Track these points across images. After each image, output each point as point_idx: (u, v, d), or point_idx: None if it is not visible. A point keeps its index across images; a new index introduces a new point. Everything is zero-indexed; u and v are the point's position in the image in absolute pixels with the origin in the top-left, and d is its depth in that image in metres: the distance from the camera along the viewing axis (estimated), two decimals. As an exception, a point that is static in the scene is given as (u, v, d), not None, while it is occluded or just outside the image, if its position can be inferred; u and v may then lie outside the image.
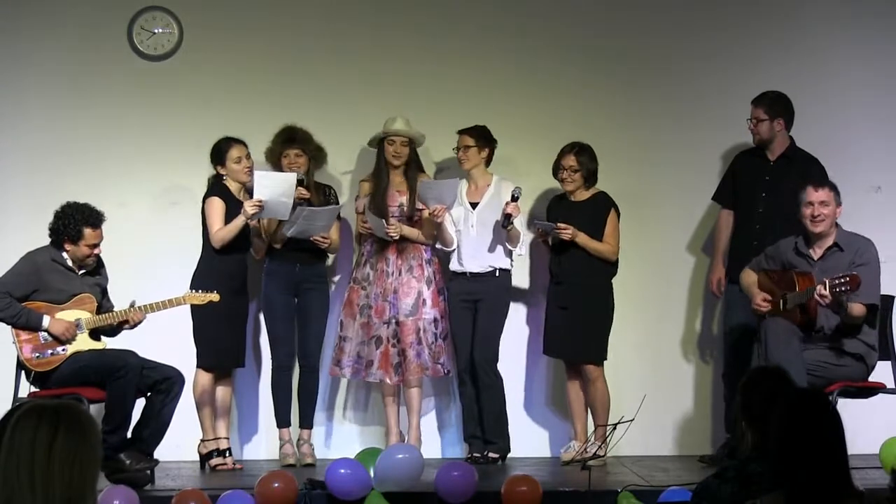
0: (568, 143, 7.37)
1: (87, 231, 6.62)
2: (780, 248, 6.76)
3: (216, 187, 7.21)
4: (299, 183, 7.17)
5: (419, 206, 7.41)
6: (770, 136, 7.28)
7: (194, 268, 7.18)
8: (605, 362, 7.34)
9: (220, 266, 7.13)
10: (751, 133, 7.33)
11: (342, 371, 7.50)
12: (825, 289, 6.24)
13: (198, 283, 7.08)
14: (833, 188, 6.62)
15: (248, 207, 6.98)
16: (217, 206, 7.13)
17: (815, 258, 6.60)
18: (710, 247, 7.80)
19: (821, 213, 6.54)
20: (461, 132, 7.47)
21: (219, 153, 7.21)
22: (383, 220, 7.33)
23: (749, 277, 6.86)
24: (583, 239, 7.25)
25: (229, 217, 7.10)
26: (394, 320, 7.38)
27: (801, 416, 3.24)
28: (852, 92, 7.89)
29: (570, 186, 7.36)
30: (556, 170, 7.39)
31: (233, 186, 7.23)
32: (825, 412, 3.26)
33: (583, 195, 7.39)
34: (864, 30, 7.93)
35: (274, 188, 7.02)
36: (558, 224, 7.23)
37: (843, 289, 6.20)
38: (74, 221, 6.60)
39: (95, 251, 6.67)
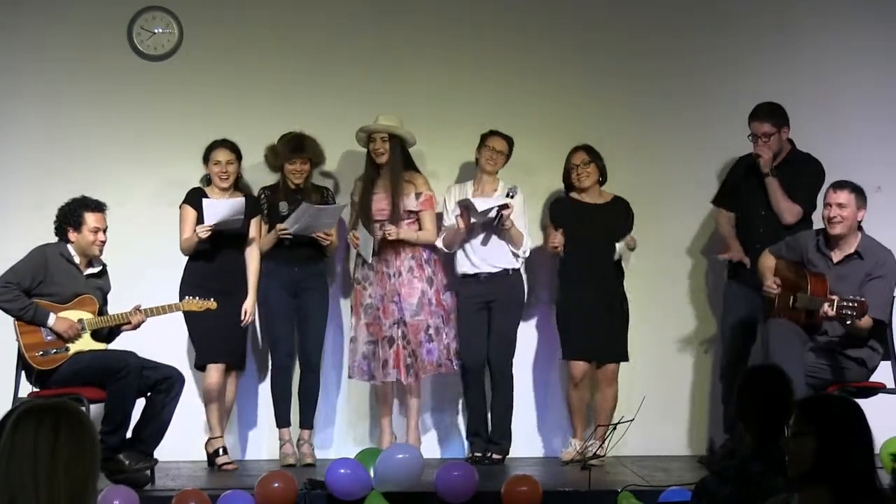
0: (572, 148, 7.38)
1: (88, 215, 6.66)
2: (800, 241, 6.69)
3: (192, 194, 7.26)
4: (283, 219, 7.20)
5: (413, 207, 7.39)
6: (780, 147, 7.24)
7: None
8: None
9: (204, 266, 7.17)
10: (757, 152, 7.14)
11: (355, 375, 7.46)
12: (832, 310, 6.18)
13: (184, 284, 7.14)
14: (855, 190, 6.53)
15: (200, 233, 7.06)
16: (187, 214, 7.21)
17: (834, 261, 6.54)
18: (710, 248, 7.82)
19: (838, 214, 6.47)
20: (496, 134, 7.43)
21: (206, 153, 7.27)
22: (372, 239, 7.27)
23: (768, 261, 6.77)
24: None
25: (203, 222, 7.13)
26: (401, 321, 7.35)
27: (839, 418, 3.33)
28: (852, 91, 7.88)
29: (587, 182, 7.35)
30: (569, 172, 7.38)
31: (214, 193, 7.25)
32: (858, 414, 3.35)
33: (599, 197, 7.41)
34: (864, 28, 7.93)
35: (224, 213, 7.10)
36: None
37: (848, 312, 6.15)
38: (74, 208, 6.68)
39: (100, 237, 6.68)
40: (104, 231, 6.70)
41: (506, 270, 7.42)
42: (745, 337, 7.13)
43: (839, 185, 6.56)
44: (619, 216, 7.40)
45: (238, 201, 7.17)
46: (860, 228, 6.59)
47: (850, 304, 6.14)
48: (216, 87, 7.85)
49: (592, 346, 7.35)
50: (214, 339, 7.18)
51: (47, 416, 2.71)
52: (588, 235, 7.30)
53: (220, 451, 7.22)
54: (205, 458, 7.30)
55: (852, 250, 6.52)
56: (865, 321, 6.35)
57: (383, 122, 7.38)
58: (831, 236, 6.54)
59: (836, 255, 6.55)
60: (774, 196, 7.11)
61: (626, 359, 7.41)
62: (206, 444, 7.29)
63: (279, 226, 7.26)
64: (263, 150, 7.42)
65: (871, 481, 3.27)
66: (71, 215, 6.67)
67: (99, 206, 6.72)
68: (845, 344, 6.50)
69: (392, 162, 7.37)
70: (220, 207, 7.12)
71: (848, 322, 6.27)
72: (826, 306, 6.21)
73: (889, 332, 6.79)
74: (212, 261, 7.19)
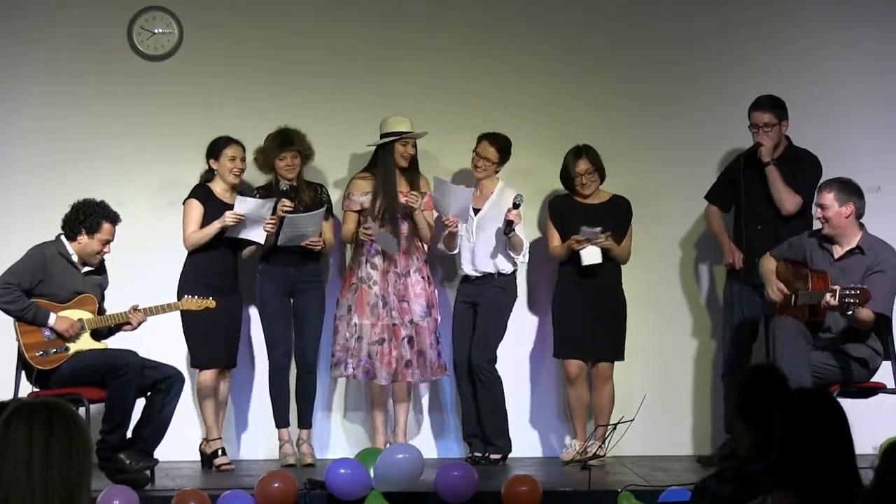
0: (570, 150, 7.36)
1: (106, 225, 6.65)
2: (802, 240, 6.76)
3: (199, 190, 7.26)
4: (285, 194, 7.18)
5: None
6: (779, 140, 7.25)
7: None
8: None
9: (204, 266, 7.17)
10: (758, 140, 7.17)
11: (359, 375, 7.38)
12: (834, 298, 6.22)
13: (183, 282, 7.14)
14: (835, 188, 6.59)
15: (228, 217, 7.03)
16: (194, 208, 7.19)
17: (836, 257, 6.59)
18: (707, 247, 7.82)
19: (822, 215, 6.59)
20: (486, 138, 7.41)
21: (215, 148, 7.26)
22: (391, 236, 7.27)
23: (769, 264, 6.83)
24: (612, 245, 7.26)
25: (208, 220, 7.13)
26: (409, 321, 7.33)
27: (806, 415, 3.25)
28: (852, 91, 7.89)
29: (590, 189, 7.33)
30: (571, 178, 7.34)
31: (217, 189, 7.25)
32: (831, 410, 3.27)
33: (598, 197, 7.39)
34: (863, 28, 7.94)
35: (253, 211, 7.08)
36: (601, 235, 7.20)
37: (851, 300, 6.19)
38: (95, 213, 6.65)
39: (105, 249, 6.69)
40: (110, 244, 6.70)
41: (493, 274, 7.42)
42: (747, 336, 7.12)
43: (822, 187, 6.69)
44: (618, 215, 7.38)
45: (269, 201, 7.12)
46: (861, 223, 6.61)
47: (853, 293, 6.20)
48: (216, 87, 7.85)
49: (585, 346, 7.35)
50: (212, 342, 7.19)
51: (39, 414, 2.71)
52: None
53: (220, 451, 7.22)
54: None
55: (853, 245, 6.57)
56: (867, 315, 6.38)
57: (411, 126, 7.36)
58: (827, 234, 6.62)
59: (838, 251, 6.60)
60: (775, 185, 7.12)
61: (620, 358, 7.35)
62: (204, 445, 7.28)
63: (267, 221, 7.17)
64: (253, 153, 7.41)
65: (848, 482, 3.19)
66: (89, 219, 6.63)
67: (117, 219, 6.70)
68: (847, 340, 6.51)
69: (413, 166, 7.42)
70: (252, 204, 7.08)
71: (850, 312, 6.30)
72: (828, 296, 6.25)
73: (889, 332, 6.80)
74: (210, 260, 7.19)
